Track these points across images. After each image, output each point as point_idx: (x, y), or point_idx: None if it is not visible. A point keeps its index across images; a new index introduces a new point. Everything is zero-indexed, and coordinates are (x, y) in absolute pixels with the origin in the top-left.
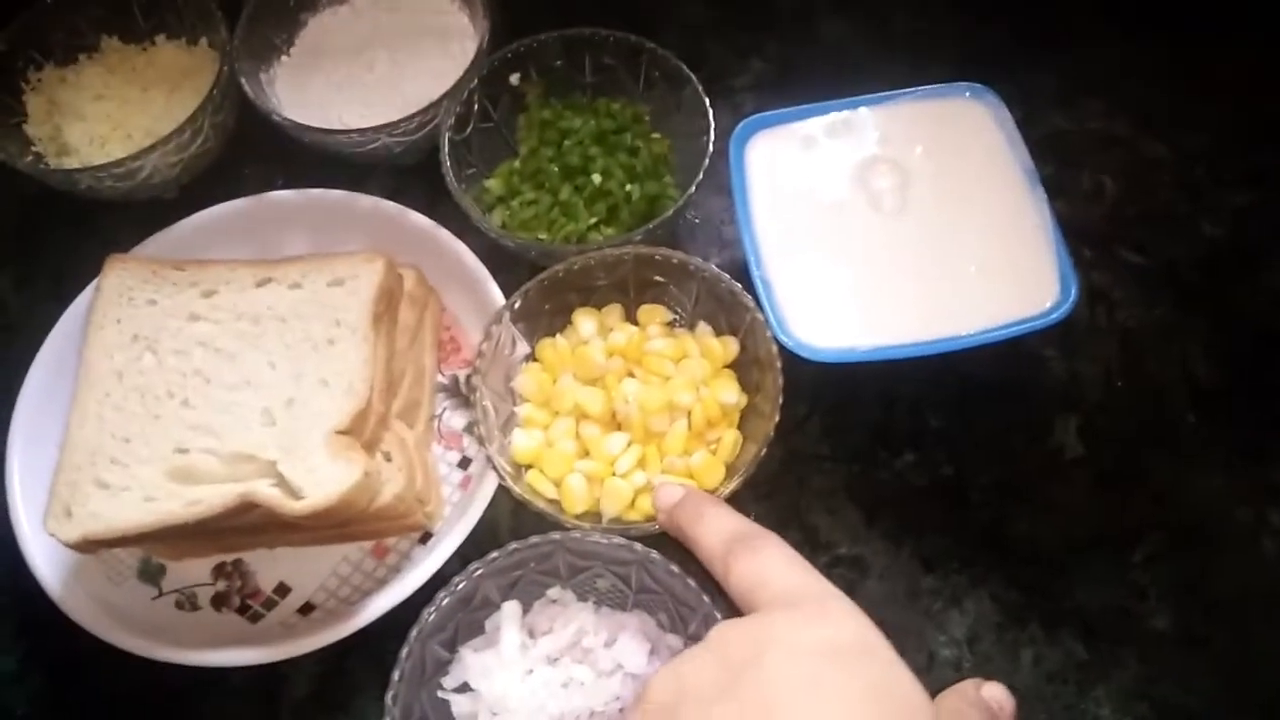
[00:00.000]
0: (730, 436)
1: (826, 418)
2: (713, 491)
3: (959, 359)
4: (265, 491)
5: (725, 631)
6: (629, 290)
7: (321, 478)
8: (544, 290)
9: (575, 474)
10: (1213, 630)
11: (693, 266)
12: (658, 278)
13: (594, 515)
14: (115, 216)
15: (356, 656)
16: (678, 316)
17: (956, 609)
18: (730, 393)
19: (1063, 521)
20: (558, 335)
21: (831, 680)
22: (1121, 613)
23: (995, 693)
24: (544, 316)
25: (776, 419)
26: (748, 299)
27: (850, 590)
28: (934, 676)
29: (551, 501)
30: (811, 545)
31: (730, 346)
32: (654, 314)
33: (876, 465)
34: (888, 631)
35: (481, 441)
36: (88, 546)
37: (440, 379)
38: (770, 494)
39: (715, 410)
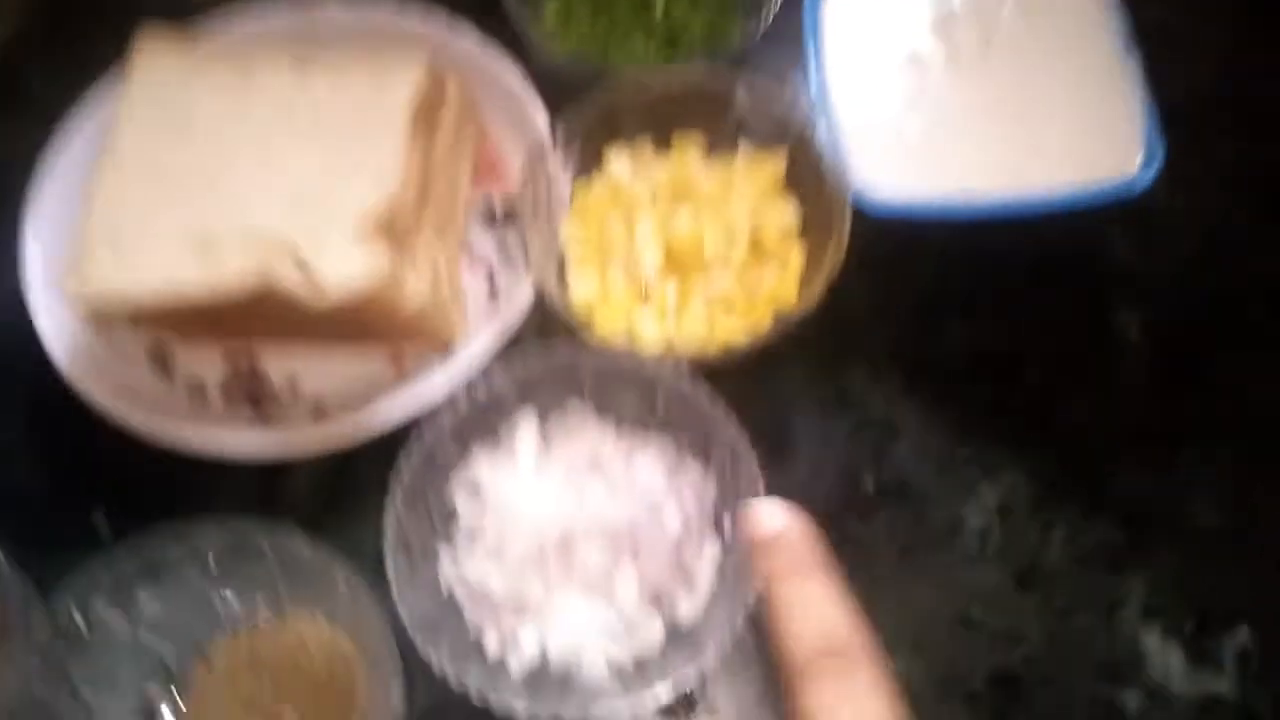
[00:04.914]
0: (797, 252)
1: (877, 273)
2: (794, 306)
3: (1025, 229)
4: (286, 276)
5: None
6: (660, 122)
7: (345, 269)
8: (575, 128)
9: (644, 317)
10: (1260, 535)
11: (724, 85)
12: (688, 103)
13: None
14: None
15: (365, 461)
16: (714, 140)
17: (990, 479)
18: (787, 208)
19: (1115, 408)
20: (592, 174)
21: None
22: (1165, 506)
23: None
24: (578, 157)
25: (848, 219)
26: (791, 103)
27: (877, 452)
28: (959, 544)
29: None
30: (841, 404)
31: (778, 161)
32: (691, 140)
33: (924, 330)
34: (913, 493)
35: (543, 295)
36: (101, 317)
37: (476, 203)
38: (808, 346)
39: (782, 223)
